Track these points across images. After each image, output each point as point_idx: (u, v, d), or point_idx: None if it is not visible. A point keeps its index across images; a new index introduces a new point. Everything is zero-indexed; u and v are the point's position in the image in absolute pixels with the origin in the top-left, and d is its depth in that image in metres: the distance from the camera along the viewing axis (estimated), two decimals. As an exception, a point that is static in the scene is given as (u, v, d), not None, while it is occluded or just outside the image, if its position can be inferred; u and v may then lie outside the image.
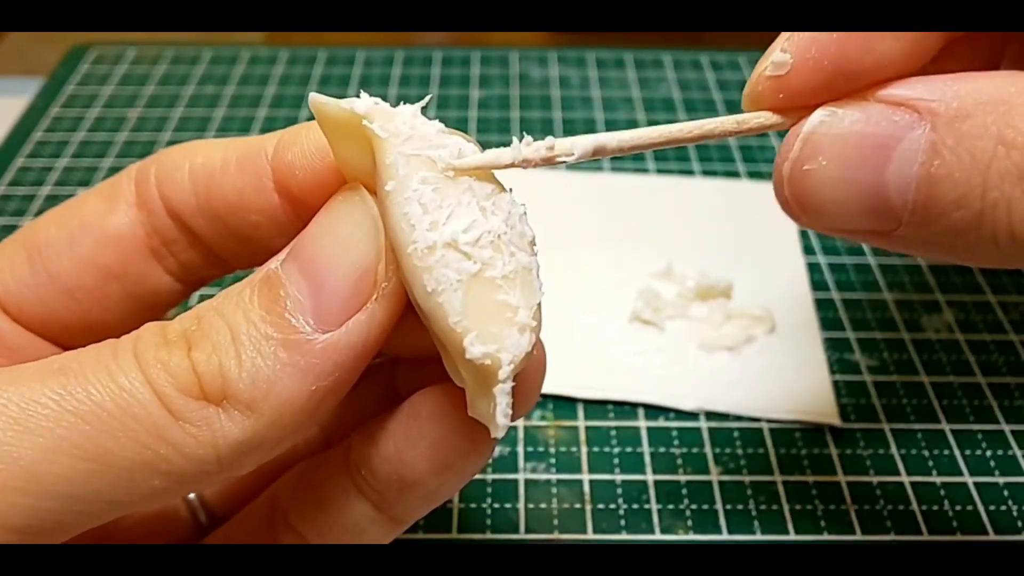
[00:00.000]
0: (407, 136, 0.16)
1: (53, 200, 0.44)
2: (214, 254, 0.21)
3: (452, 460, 0.18)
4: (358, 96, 0.17)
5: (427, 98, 0.18)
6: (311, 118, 0.19)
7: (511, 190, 0.17)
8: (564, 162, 0.17)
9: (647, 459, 0.32)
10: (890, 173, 0.17)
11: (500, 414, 0.16)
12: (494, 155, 0.17)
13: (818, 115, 0.18)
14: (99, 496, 0.15)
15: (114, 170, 0.46)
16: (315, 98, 0.17)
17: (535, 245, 0.17)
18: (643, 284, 0.38)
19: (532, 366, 0.18)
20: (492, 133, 0.49)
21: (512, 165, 0.17)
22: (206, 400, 0.16)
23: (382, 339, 0.17)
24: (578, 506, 0.30)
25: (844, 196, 0.17)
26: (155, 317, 0.22)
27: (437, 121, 0.17)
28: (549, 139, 0.17)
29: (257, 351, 0.16)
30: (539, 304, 0.16)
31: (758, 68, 0.19)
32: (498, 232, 0.16)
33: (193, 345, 0.17)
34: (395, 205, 0.16)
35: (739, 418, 0.34)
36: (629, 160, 0.47)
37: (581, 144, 0.17)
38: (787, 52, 0.18)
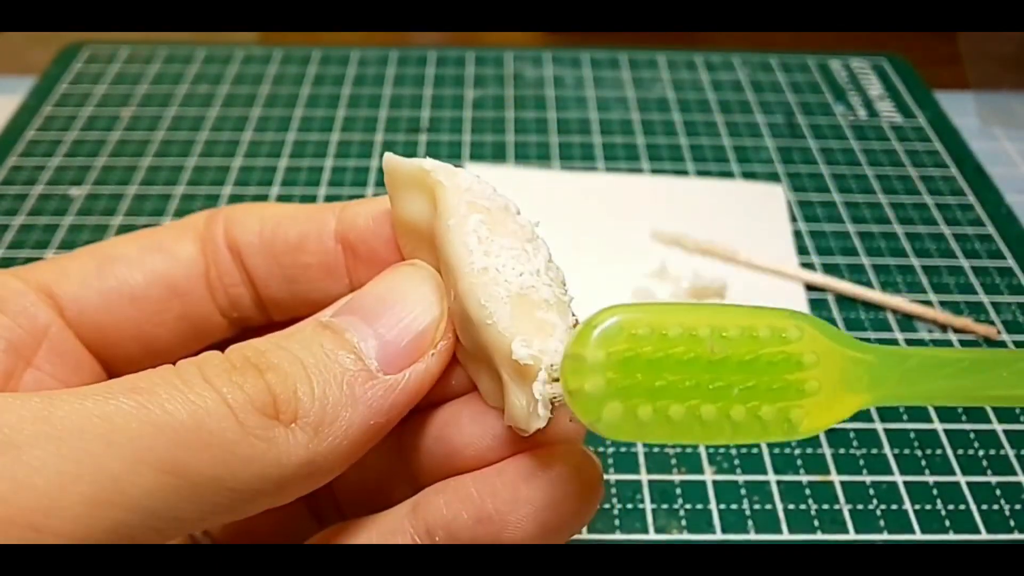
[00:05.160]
0: (466, 188, 0.19)
1: (46, 199, 0.44)
2: (259, 295, 0.23)
3: (562, 523, 0.19)
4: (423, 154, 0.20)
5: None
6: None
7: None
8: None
9: (641, 459, 0.32)
10: None
11: (540, 406, 0.18)
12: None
13: None
14: (171, 511, 0.16)
15: (108, 169, 0.46)
16: (389, 157, 0.20)
17: (566, 285, 0.20)
18: (637, 284, 0.38)
19: None
20: (487, 133, 0.49)
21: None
22: (277, 419, 0.17)
23: (428, 388, 0.19)
24: (572, 506, 0.30)
25: None
26: (199, 346, 0.23)
27: (489, 184, 0.20)
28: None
29: (329, 379, 0.18)
30: (573, 325, 0.19)
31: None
32: (537, 267, 0.19)
33: (264, 370, 0.17)
34: (456, 236, 0.19)
35: (733, 418, 0.34)
36: (624, 159, 0.47)
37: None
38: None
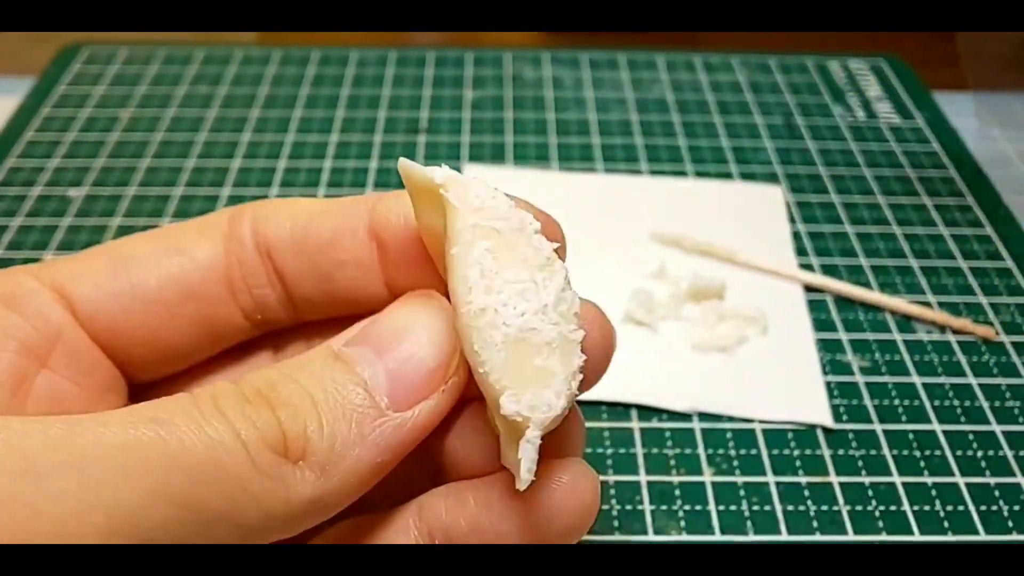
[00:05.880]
0: (477, 207, 0.18)
1: (45, 200, 0.44)
2: (288, 294, 0.22)
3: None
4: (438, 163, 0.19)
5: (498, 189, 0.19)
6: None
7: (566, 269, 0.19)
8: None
9: (640, 460, 0.32)
10: None
11: (524, 469, 0.17)
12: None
13: None
14: (177, 543, 0.16)
15: (106, 170, 0.46)
16: (403, 163, 0.19)
17: (579, 317, 0.19)
18: (636, 285, 0.38)
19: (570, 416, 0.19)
20: (485, 134, 0.49)
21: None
22: (286, 458, 0.17)
23: (437, 423, 0.19)
24: (571, 507, 0.30)
25: None
26: (217, 348, 0.23)
27: (506, 195, 0.19)
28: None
29: (339, 418, 0.18)
30: (579, 368, 0.18)
31: None
32: (545, 302, 0.18)
33: (276, 406, 0.17)
34: (457, 268, 0.18)
35: (732, 419, 0.34)
36: (623, 160, 0.47)
37: None
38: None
